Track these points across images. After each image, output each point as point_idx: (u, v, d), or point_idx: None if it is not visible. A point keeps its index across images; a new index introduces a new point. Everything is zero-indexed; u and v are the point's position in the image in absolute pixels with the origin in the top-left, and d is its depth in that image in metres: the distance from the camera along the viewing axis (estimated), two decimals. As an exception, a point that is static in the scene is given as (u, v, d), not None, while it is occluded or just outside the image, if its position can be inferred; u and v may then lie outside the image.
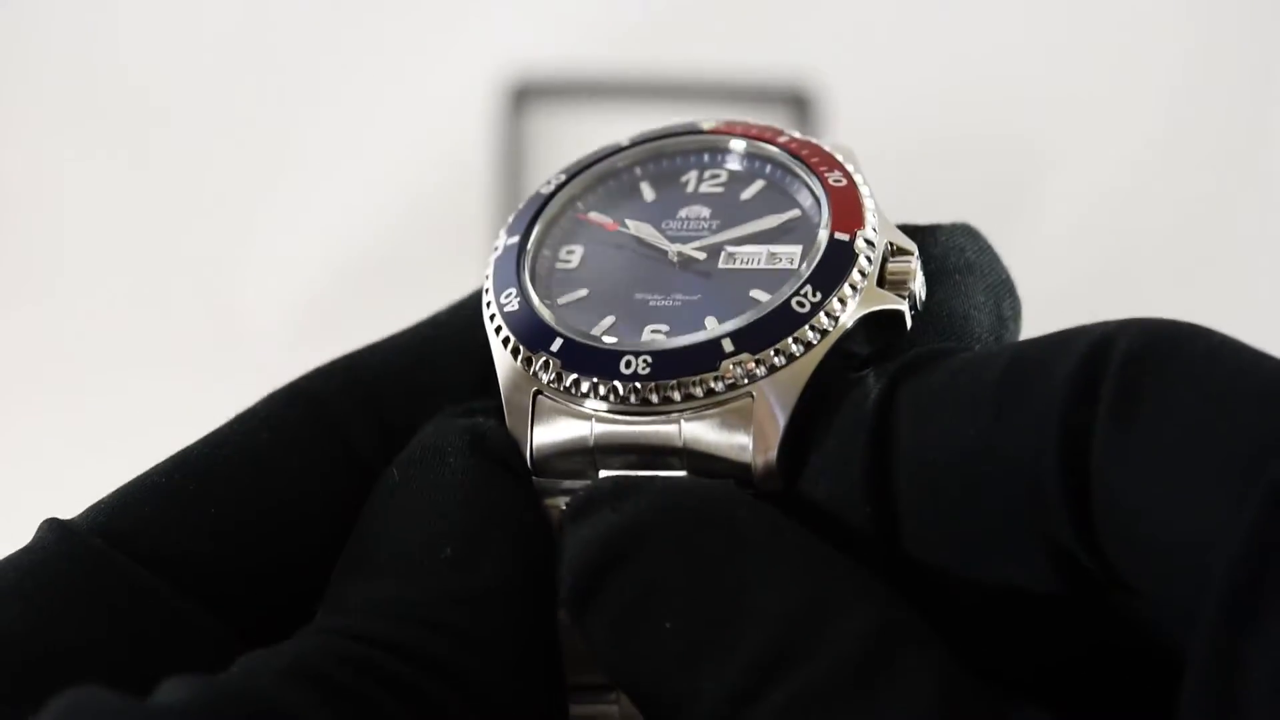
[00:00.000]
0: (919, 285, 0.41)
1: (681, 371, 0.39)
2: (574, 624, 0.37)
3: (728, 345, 0.39)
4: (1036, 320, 0.41)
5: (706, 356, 0.39)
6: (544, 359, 0.41)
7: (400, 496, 0.39)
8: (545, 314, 0.42)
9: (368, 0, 1.31)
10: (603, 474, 0.40)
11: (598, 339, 0.41)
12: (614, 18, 1.29)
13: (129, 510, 0.38)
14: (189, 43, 1.29)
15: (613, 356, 0.40)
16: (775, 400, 0.39)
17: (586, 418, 0.40)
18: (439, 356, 0.44)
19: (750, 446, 0.39)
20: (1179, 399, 0.31)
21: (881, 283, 0.41)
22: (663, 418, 0.39)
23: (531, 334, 0.41)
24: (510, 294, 0.43)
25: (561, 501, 0.40)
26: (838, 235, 0.41)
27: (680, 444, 0.39)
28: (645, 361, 0.40)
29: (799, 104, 1.24)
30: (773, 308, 0.40)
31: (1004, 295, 0.43)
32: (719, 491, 0.38)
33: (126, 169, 1.26)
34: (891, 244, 0.42)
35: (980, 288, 0.42)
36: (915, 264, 0.41)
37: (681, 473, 0.40)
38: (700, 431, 0.39)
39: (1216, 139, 1.27)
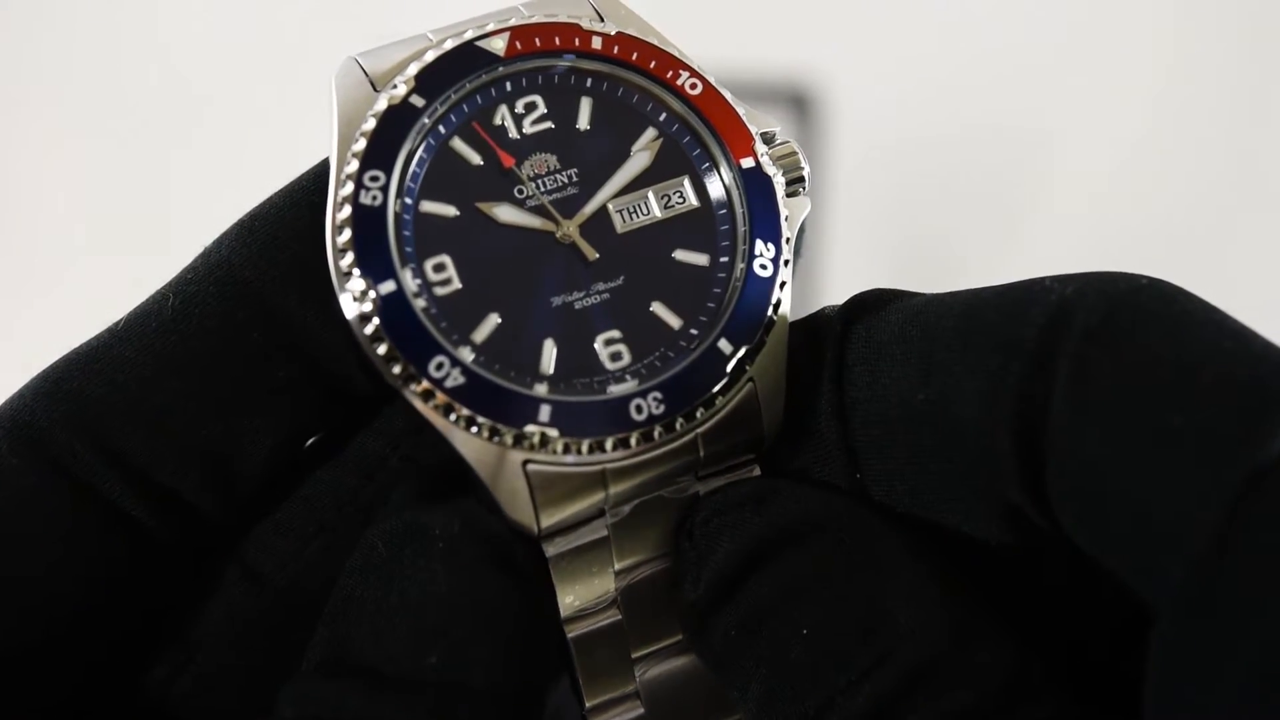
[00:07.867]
0: (805, 161, 0.40)
1: (695, 394, 0.38)
2: (692, 629, 0.37)
3: (725, 346, 0.38)
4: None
5: (713, 367, 0.38)
6: (535, 433, 0.37)
7: (386, 582, 0.36)
8: (505, 382, 0.37)
9: (368, 3, 1.31)
10: (608, 518, 0.38)
11: (593, 392, 0.38)
12: (613, 16, 1.28)
13: None
14: (189, 44, 1.29)
15: (619, 405, 0.38)
16: (771, 371, 0.38)
17: (596, 466, 0.37)
18: (167, 372, 0.38)
19: (764, 422, 0.39)
20: (1133, 386, 0.31)
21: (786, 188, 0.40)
22: (680, 440, 0.38)
23: (507, 409, 0.37)
24: (442, 364, 0.37)
25: (562, 545, 0.38)
26: (744, 164, 0.40)
27: (700, 455, 0.38)
28: (656, 399, 0.38)
29: (799, 102, 1.24)
30: (743, 282, 0.39)
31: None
32: (861, 508, 0.37)
33: (126, 169, 1.26)
34: (763, 134, 0.41)
35: None
36: (794, 144, 0.40)
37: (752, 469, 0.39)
38: (718, 437, 0.38)
39: (1223, 121, 1.27)
